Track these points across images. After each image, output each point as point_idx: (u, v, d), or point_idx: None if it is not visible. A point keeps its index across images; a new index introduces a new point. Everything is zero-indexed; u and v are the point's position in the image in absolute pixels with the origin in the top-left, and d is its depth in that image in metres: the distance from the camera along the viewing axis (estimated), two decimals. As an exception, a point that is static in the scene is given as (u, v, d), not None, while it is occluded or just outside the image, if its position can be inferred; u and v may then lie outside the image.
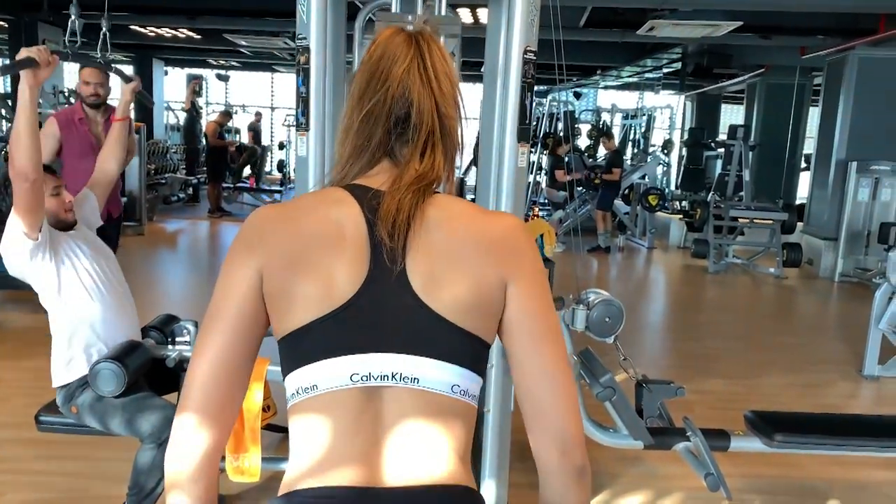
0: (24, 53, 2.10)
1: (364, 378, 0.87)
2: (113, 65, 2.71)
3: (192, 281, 6.97)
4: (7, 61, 11.23)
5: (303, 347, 0.89)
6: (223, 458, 2.38)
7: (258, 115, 13.86)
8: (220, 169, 10.26)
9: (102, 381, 2.17)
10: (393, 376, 0.87)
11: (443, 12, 2.27)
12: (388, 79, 0.93)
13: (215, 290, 0.91)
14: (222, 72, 14.27)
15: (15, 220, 2.15)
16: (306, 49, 1.96)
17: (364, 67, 0.96)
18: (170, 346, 2.48)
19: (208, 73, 14.60)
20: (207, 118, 14.11)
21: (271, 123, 15.73)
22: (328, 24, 1.99)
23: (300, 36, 1.98)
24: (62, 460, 2.83)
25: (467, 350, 0.90)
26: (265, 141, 13.95)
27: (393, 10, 2.29)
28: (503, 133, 2.05)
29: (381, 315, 0.88)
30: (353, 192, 0.93)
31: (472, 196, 10.24)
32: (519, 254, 0.93)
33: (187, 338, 2.53)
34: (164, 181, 10.10)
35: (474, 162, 12.41)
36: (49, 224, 2.28)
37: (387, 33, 0.97)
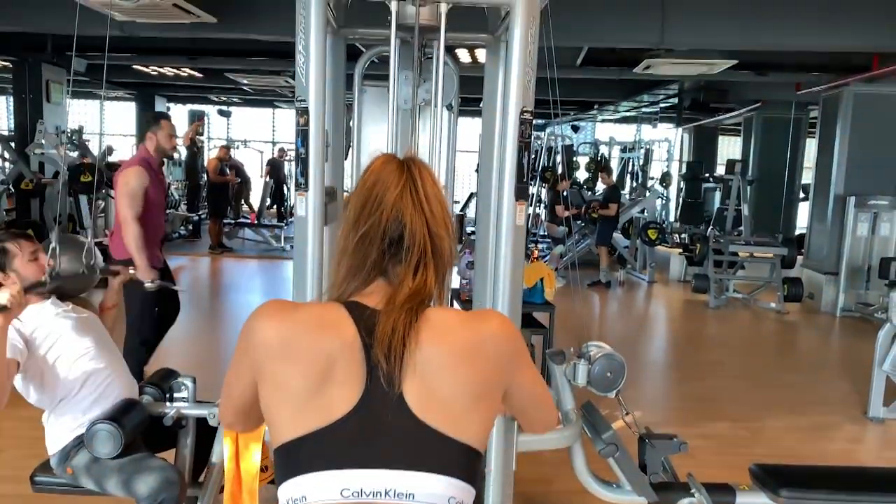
0: None
1: (355, 494, 0.88)
2: (100, 267, 2.82)
3: (194, 321, 6.94)
4: (11, 99, 11.32)
5: (294, 459, 0.91)
6: None
7: (282, 150, 13.48)
8: (221, 205, 10.28)
9: (99, 442, 2.15)
10: (387, 493, 0.88)
11: (441, 59, 2.29)
12: (382, 203, 0.98)
13: (226, 376, 1.05)
14: (224, 108, 14.39)
15: None
16: (305, 111, 1.98)
17: (358, 193, 1.01)
18: (167, 404, 2.45)
19: (210, 109, 14.74)
20: (209, 153, 14.20)
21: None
22: (327, 86, 2.01)
23: (299, 98, 2.00)
24: (57, 515, 2.77)
25: (464, 462, 0.92)
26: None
27: (391, 56, 2.30)
28: (501, 192, 2.06)
29: (376, 432, 0.90)
30: (350, 310, 0.96)
31: (472, 230, 10.25)
32: (511, 356, 1.01)
33: (185, 394, 2.50)
34: (165, 219, 10.13)
35: (473, 196, 12.47)
36: (26, 292, 2.26)
37: (380, 161, 1.03)
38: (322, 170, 2.02)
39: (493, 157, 2.11)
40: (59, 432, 2.27)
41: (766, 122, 11.09)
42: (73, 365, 2.27)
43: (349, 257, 0.99)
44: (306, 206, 2.02)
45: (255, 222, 11.42)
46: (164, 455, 2.51)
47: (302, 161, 2.02)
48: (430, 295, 0.98)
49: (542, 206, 11.14)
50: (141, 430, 2.32)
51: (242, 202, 12.44)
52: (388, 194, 0.98)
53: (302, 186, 2.03)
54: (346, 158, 2.96)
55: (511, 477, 2.28)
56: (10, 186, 6.60)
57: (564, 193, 9.68)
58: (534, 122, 2.19)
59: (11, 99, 10.23)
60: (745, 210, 8.57)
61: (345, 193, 3.02)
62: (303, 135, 2.00)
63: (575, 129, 14.36)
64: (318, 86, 1.93)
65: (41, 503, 2.76)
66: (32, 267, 2.30)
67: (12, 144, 7.43)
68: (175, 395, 2.50)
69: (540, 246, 10.70)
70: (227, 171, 10.67)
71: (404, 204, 0.97)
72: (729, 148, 15.84)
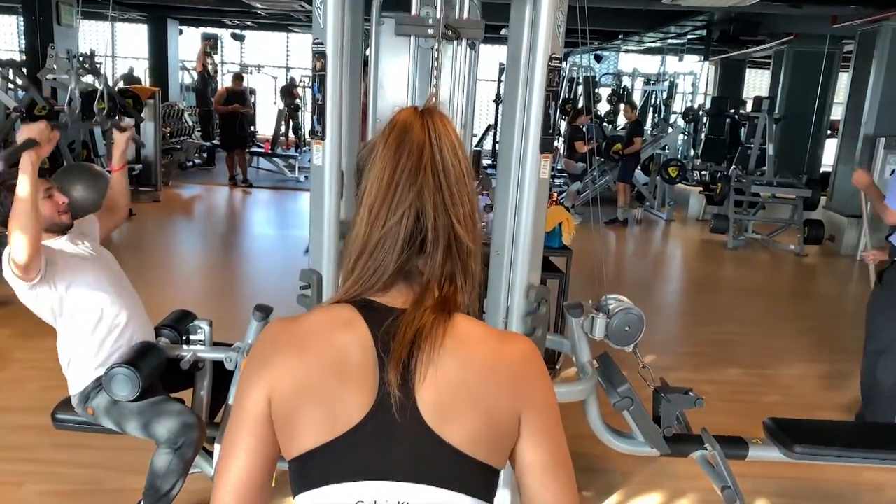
0: (25, 133, 2.02)
1: None
2: (110, 120, 2.69)
3: (209, 252, 6.97)
4: (21, 20, 11.10)
5: (308, 472, 0.87)
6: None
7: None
8: (229, 136, 9.73)
9: (117, 385, 2.17)
10: None
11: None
12: (401, 203, 0.89)
13: (232, 412, 0.92)
14: (237, 31, 14.03)
15: (7, 267, 2.11)
16: (323, 55, 1.89)
17: (374, 179, 0.91)
18: (184, 347, 2.47)
19: (223, 33, 14.39)
20: (223, 78, 13.92)
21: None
22: (345, 28, 1.91)
23: (317, 41, 1.90)
24: (79, 449, 2.85)
25: (479, 480, 0.88)
26: (280, 104, 13.67)
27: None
28: (525, 143, 1.98)
29: (390, 443, 0.86)
30: (364, 311, 0.91)
31: (489, 162, 10.02)
32: (531, 386, 0.92)
33: (201, 336, 2.52)
34: (179, 146, 10.02)
35: (491, 128, 12.23)
36: (44, 230, 2.25)
37: (396, 129, 0.92)
38: (340, 118, 1.95)
39: (517, 106, 2.01)
40: (79, 373, 2.30)
41: (798, 55, 10.69)
42: (91, 306, 2.26)
43: (366, 257, 0.91)
44: (323, 154, 1.96)
45: (269, 152, 11.30)
46: (181, 394, 2.55)
47: (319, 108, 1.94)
48: (459, 305, 0.92)
49: (561, 139, 10.91)
50: (158, 372, 2.34)
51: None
52: (405, 193, 0.89)
53: (319, 134, 1.96)
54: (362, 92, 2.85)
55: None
56: (24, 112, 6.52)
57: (584, 127, 9.46)
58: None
59: (22, 18, 10.00)
60: (770, 149, 8.33)
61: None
62: (320, 80, 1.92)
63: (598, 59, 13.91)
64: (337, 29, 1.84)
65: (58, 434, 2.82)
66: (47, 204, 2.27)
67: (24, 70, 7.30)
68: (191, 337, 2.51)
69: (557, 181, 10.56)
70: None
71: (424, 199, 0.89)
72: (756, 82, 15.34)
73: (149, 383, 2.23)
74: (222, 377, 2.55)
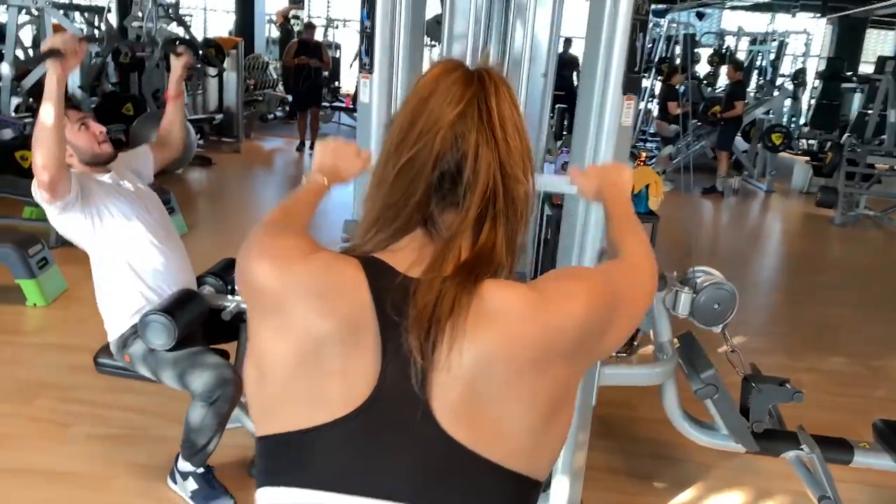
0: (48, 44, 1.88)
1: None
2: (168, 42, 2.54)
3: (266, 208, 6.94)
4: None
5: (274, 460, 0.68)
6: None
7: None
8: (299, 92, 8.78)
9: (152, 333, 2.05)
10: None
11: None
12: (437, 122, 0.69)
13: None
14: (325, -17, 13.93)
15: (35, 190, 2.01)
16: (372, -27, 1.64)
17: (407, 107, 0.72)
18: (228, 297, 2.33)
19: (311, -15, 14.31)
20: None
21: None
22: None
23: (367, -44, 1.65)
24: (127, 394, 2.79)
25: (511, 496, 0.66)
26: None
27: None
28: (606, 82, 1.67)
29: (388, 447, 0.64)
30: (370, 271, 0.69)
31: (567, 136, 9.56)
32: (598, 338, 0.73)
33: (247, 287, 2.37)
34: (261, 98, 10.04)
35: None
36: (85, 163, 2.16)
37: (440, 67, 0.73)
38: (391, 48, 1.69)
39: (600, 39, 1.71)
40: (116, 319, 2.20)
41: (931, 13, 9.57)
42: (126, 246, 2.15)
43: (386, 192, 0.72)
44: (370, 90, 1.72)
45: (350, 106, 11.19)
46: (227, 347, 2.43)
47: (367, 37, 1.70)
48: (499, 263, 0.71)
49: (654, 101, 10.26)
50: (199, 322, 2.21)
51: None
52: (448, 110, 0.69)
53: (366, 67, 1.72)
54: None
55: (590, 414, 2.03)
56: (110, 59, 6.63)
57: (679, 88, 8.83)
58: (654, 7, 1.77)
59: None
60: (892, 116, 7.49)
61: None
62: (369, 5, 1.67)
63: (700, 16, 12.96)
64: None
65: (111, 377, 2.76)
66: (83, 136, 2.17)
67: (109, 17, 7.42)
68: (237, 287, 2.37)
69: (648, 146, 9.97)
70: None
71: (467, 126, 0.69)
72: (877, 45, 13.98)
73: (186, 333, 2.10)
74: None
